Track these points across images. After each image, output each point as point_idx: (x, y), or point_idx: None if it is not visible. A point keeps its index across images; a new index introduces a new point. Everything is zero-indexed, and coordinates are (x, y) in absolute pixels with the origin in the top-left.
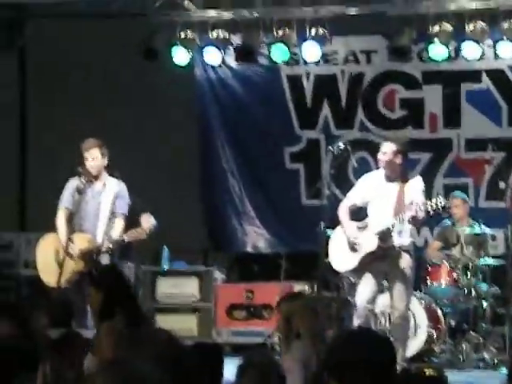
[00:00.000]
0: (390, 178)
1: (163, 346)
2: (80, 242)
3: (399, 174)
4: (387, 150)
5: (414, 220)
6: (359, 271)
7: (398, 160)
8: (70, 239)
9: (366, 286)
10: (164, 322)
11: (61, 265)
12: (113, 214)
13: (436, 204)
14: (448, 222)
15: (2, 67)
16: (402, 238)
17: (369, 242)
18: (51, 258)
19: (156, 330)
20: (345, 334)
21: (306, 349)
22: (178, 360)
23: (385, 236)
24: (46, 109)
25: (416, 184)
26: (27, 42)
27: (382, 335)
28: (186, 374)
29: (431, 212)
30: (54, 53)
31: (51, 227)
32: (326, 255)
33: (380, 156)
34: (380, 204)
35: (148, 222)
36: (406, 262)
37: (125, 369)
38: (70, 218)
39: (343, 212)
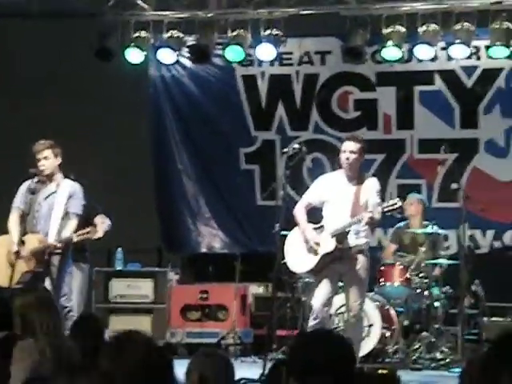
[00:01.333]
0: (349, 179)
1: (142, 350)
2: (31, 242)
3: (358, 175)
4: (355, 148)
5: (371, 221)
6: (316, 272)
7: (362, 159)
8: (21, 240)
9: (322, 288)
10: (118, 323)
11: (12, 266)
12: (66, 214)
13: (393, 205)
14: (401, 224)
15: None
16: (359, 238)
17: (326, 243)
18: (3, 259)
19: (134, 334)
20: (305, 335)
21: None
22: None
23: (341, 237)
24: (1, 110)
25: (372, 184)
26: None
27: (343, 337)
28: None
29: (387, 213)
30: (5, 53)
31: (4, 229)
32: (282, 256)
33: (348, 155)
34: (337, 205)
35: (102, 222)
36: (361, 262)
37: None
38: (23, 219)
39: (300, 213)
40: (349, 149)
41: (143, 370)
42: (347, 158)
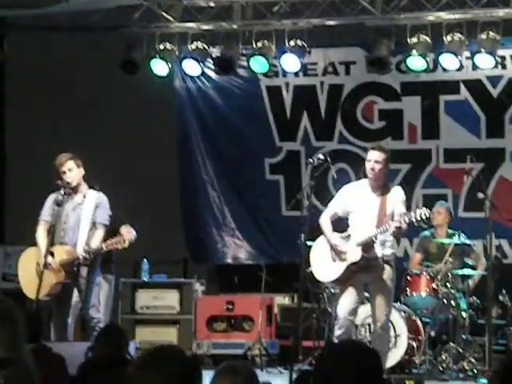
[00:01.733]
0: (374, 189)
1: (176, 363)
2: (60, 254)
3: (383, 184)
4: (380, 158)
5: (397, 231)
6: (341, 282)
7: (387, 169)
8: (49, 252)
9: (347, 297)
10: (144, 334)
11: (41, 278)
12: (93, 225)
13: (420, 215)
14: (427, 233)
15: None
16: (385, 248)
17: (352, 253)
18: (32, 271)
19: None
20: (333, 346)
21: None
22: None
23: (367, 247)
24: (26, 123)
25: (397, 194)
26: (7, 55)
27: (370, 347)
28: None
29: (415, 223)
30: (34, 66)
31: (30, 240)
32: (307, 266)
33: (371, 165)
34: (362, 214)
35: (128, 232)
36: (387, 273)
37: None
38: (51, 231)
39: (325, 222)
40: (374, 158)
41: (177, 378)
42: (372, 169)
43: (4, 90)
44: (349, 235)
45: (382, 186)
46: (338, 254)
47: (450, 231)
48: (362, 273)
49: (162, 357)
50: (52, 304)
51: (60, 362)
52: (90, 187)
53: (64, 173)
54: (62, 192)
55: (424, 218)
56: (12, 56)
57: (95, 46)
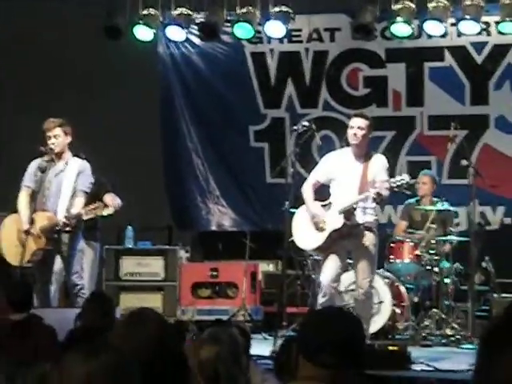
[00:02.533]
0: (356, 156)
1: (154, 327)
2: (40, 220)
3: (366, 152)
4: (363, 124)
5: (378, 198)
6: (324, 249)
7: (370, 135)
8: (31, 218)
9: (330, 265)
10: (128, 300)
11: (23, 244)
12: (74, 192)
13: (401, 181)
14: (412, 200)
15: None
16: (366, 215)
17: (334, 220)
18: (13, 238)
19: (145, 310)
20: (316, 313)
21: None
22: (165, 339)
23: (349, 214)
24: (8, 87)
25: (379, 161)
26: None
27: (353, 314)
28: (173, 351)
29: (396, 189)
30: (14, 32)
31: (14, 207)
32: (291, 234)
33: (354, 131)
34: (344, 182)
35: (113, 200)
36: (369, 239)
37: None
38: (33, 197)
39: (307, 191)
40: (357, 125)
41: (155, 346)
42: (355, 134)
43: None
44: (330, 203)
45: (365, 154)
46: (317, 221)
47: (435, 199)
48: (344, 240)
49: (140, 320)
50: (34, 270)
51: (51, 332)
52: (75, 155)
53: (49, 138)
54: (45, 158)
55: (404, 183)
56: None
57: (77, 12)
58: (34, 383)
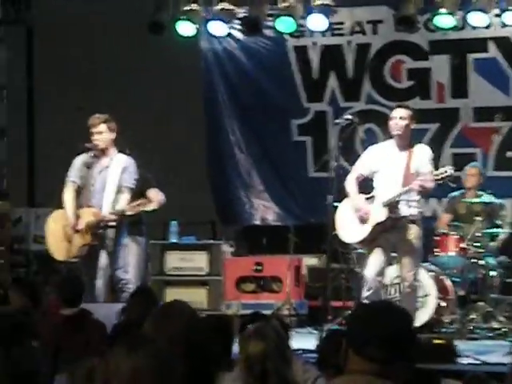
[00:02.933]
0: (399, 148)
1: (187, 320)
2: (86, 216)
3: (408, 143)
4: (404, 114)
5: (422, 190)
6: (368, 242)
7: (413, 125)
8: (76, 214)
9: (375, 258)
10: (173, 295)
11: (69, 240)
12: (119, 188)
13: (445, 173)
14: (456, 193)
15: (10, 43)
16: (411, 208)
17: (377, 213)
18: (59, 234)
19: (178, 304)
20: (365, 306)
21: None
22: (197, 333)
23: (393, 206)
24: (54, 85)
25: (424, 153)
26: (34, 18)
27: (402, 308)
28: (202, 346)
29: (440, 181)
30: (61, 28)
31: (60, 203)
32: (334, 227)
33: (396, 121)
34: (388, 174)
35: (157, 195)
36: (414, 232)
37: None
38: (78, 193)
39: (351, 184)
40: (398, 115)
41: (185, 338)
42: (396, 124)
43: (33, 53)
44: (373, 196)
45: (408, 145)
46: (361, 214)
47: (480, 192)
48: (388, 233)
49: (169, 314)
50: (80, 266)
51: (101, 327)
52: (120, 151)
53: (94, 134)
54: (91, 154)
55: (448, 175)
56: (39, 19)
57: (121, 7)
58: (82, 378)
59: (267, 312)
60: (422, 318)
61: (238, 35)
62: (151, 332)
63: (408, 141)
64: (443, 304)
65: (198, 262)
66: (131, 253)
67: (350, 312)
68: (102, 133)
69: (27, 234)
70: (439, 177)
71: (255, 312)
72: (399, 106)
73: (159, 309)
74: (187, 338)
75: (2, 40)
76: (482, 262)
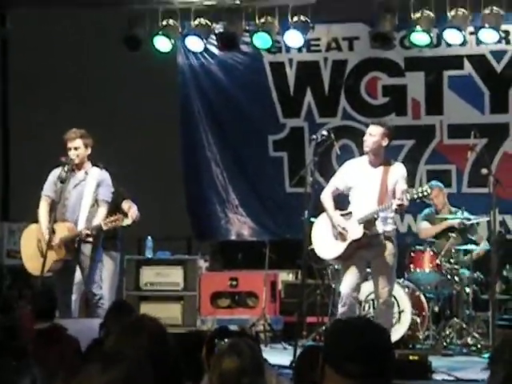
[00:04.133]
0: (373, 164)
1: (154, 335)
2: (61, 231)
3: (382, 160)
4: (374, 132)
5: (399, 208)
6: (343, 259)
7: (384, 143)
8: (51, 228)
9: (350, 274)
10: (148, 310)
11: (43, 255)
12: (96, 202)
13: (422, 192)
14: (428, 211)
15: None
16: (386, 225)
17: (353, 230)
18: (34, 248)
19: (145, 318)
20: (341, 323)
21: None
22: (166, 349)
23: (369, 224)
24: (29, 99)
25: (399, 171)
26: (9, 32)
27: (379, 324)
28: (173, 362)
29: (417, 200)
30: (36, 42)
31: (34, 217)
32: (310, 243)
33: (367, 137)
34: (363, 191)
35: (129, 207)
36: (389, 249)
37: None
38: (53, 208)
39: (327, 199)
40: (368, 132)
41: (149, 353)
42: (370, 141)
43: (7, 67)
44: (350, 212)
45: (384, 162)
46: (339, 232)
47: (453, 208)
48: (363, 249)
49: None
50: (55, 281)
51: (75, 342)
52: (94, 165)
53: (70, 149)
54: (65, 169)
55: (426, 194)
56: (14, 33)
57: (98, 22)
58: None
59: (233, 327)
60: (396, 333)
61: (215, 51)
62: (114, 346)
63: (380, 158)
64: (418, 320)
65: (174, 277)
66: (106, 268)
67: (326, 328)
68: (78, 148)
69: (1, 248)
70: (417, 196)
71: (221, 327)
72: (372, 123)
73: (125, 323)
74: (152, 352)
75: None
76: (456, 278)
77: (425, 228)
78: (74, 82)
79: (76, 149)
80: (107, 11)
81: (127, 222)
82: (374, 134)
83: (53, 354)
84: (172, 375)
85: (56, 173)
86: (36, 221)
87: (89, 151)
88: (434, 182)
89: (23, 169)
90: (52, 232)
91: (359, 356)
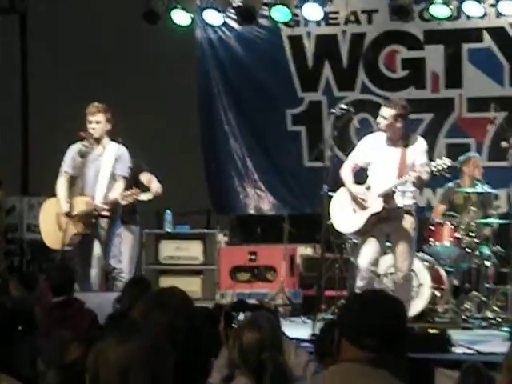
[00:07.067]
0: (391, 141)
1: (180, 306)
2: (79, 205)
3: (401, 137)
4: (386, 114)
5: (418, 182)
6: (362, 233)
7: (399, 124)
8: (69, 203)
9: (369, 248)
10: (168, 284)
11: (62, 228)
12: (113, 177)
13: (442, 165)
14: (451, 184)
15: (5, 31)
16: (405, 199)
17: (373, 204)
18: (53, 222)
19: (172, 291)
20: (358, 296)
21: None
22: (192, 320)
23: (388, 197)
24: (47, 73)
25: (419, 145)
26: (28, 5)
27: (395, 297)
28: (198, 334)
29: (436, 173)
30: (54, 16)
31: (53, 191)
32: (329, 217)
33: (380, 120)
34: (383, 165)
35: (154, 183)
36: (408, 223)
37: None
38: (72, 182)
39: (346, 173)
40: (381, 114)
41: (176, 326)
42: (383, 123)
43: (26, 41)
44: (369, 186)
45: (403, 137)
46: (359, 203)
47: (474, 181)
48: (383, 223)
49: (165, 299)
50: (74, 255)
51: (92, 316)
52: (112, 140)
53: (90, 122)
54: (85, 143)
55: (445, 167)
56: (34, 8)
57: None
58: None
59: (252, 301)
60: (416, 307)
61: (233, 24)
62: (140, 319)
63: (398, 136)
64: (437, 294)
65: (193, 251)
66: (125, 242)
67: (343, 302)
68: (99, 122)
69: (20, 222)
70: (436, 168)
71: (238, 300)
72: (385, 104)
73: (151, 295)
74: (179, 325)
75: None
76: (476, 252)
77: (435, 209)
78: (93, 58)
79: (98, 122)
80: None
81: (148, 196)
82: (386, 117)
83: (65, 328)
84: (197, 352)
85: (75, 148)
86: (55, 195)
87: (108, 126)
88: (475, 154)
89: (42, 143)
90: (70, 206)
91: (375, 330)
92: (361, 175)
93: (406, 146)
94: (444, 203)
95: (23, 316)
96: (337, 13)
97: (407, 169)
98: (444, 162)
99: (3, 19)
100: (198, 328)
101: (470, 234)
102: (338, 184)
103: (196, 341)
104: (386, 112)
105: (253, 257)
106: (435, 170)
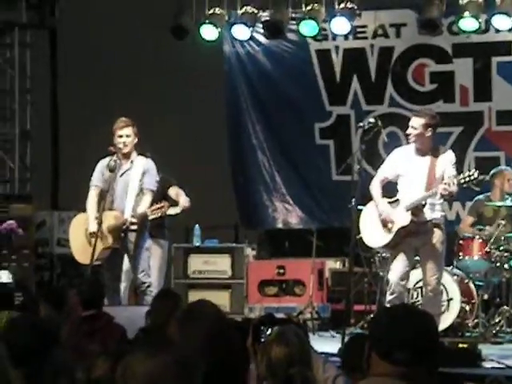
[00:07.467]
0: (420, 152)
1: (213, 321)
2: (108, 220)
3: (430, 148)
4: (416, 124)
5: (447, 194)
6: (391, 247)
7: (428, 134)
8: (100, 218)
9: (398, 262)
10: (197, 298)
11: (91, 243)
12: (141, 191)
13: (470, 177)
14: (481, 197)
15: (35, 46)
16: (434, 212)
17: (401, 217)
18: (82, 237)
19: (205, 304)
20: (389, 310)
21: None
22: (225, 335)
23: (417, 211)
24: (78, 88)
25: (447, 157)
26: (58, 20)
27: (426, 311)
28: (231, 349)
29: (464, 185)
30: (85, 30)
31: (83, 206)
32: (358, 231)
33: (410, 130)
34: (411, 178)
35: (183, 198)
36: (437, 236)
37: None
38: (101, 197)
39: (376, 188)
40: (411, 124)
41: (210, 338)
42: (413, 133)
43: (56, 55)
44: (397, 199)
45: (432, 150)
46: (384, 222)
47: (505, 195)
48: (411, 237)
49: (199, 313)
50: (103, 270)
51: (121, 331)
52: (140, 154)
53: (120, 137)
54: (114, 158)
55: (472, 179)
56: (62, 21)
57: (144, 11)
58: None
59: (281, 315)
60: (445, 321)
61: (261, 39)
62: (176, 334)
63: (428, 146)
64: (467, 308)
65: (221, 265)
66: (154, 256)
67: (373, 316)
68: (129, 136)
69: (51, 237)
70: (464, 180)
71: (266, 314)
72: (414, 114)
73: (183, 311)
74: (212, 338)
75: (27, 45)
76: (506, 266)
77: (463, 221)
78: (121, 72)
79: (128, 136)
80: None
81: (176, 210)
82: (415, 127)
83: (94, 342)
84: (231, 365)
85: (104, 162)
86: (85, 210)
87: (136, 140)
88: (503, 167)
89: (73, 158)
90: (100, 221)
91: (406, 344)
92: (390, 188)
93: (435, 157)
94: (472, 215)
95: (50, 336)
96: (365, 26)
97: (436, 181)
98: (472, 174)
99: (33, 34)
100: (232, 341)
101: (500, 247)
102: (366, 198)
103: (229, 353)
104: (416, 122)
105: (281, 271)
106: (463, 181)
